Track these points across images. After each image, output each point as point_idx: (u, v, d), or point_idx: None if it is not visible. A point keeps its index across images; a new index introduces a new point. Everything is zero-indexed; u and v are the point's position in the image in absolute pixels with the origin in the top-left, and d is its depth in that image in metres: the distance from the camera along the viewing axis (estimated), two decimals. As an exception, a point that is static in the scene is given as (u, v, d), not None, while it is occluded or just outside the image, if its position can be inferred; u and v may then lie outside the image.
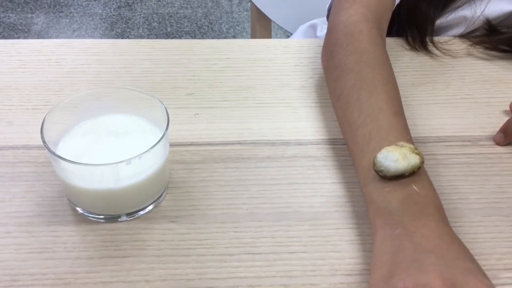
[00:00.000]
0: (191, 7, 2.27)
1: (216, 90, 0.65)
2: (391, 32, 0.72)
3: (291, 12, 1.09)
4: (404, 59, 0.71)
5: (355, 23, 0.59)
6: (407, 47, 0.72)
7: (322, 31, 0.65)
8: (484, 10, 0.71)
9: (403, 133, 0.50)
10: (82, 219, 0.50)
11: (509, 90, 0.66)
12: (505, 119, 0.60)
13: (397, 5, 0.66)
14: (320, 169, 0.55)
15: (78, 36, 2.11)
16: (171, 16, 2.22)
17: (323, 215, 0.51)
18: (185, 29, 2.17)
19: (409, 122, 0.58)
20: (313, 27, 0.91)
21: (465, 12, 0.72)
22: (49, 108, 0.49)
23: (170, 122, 0.49)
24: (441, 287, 0.37)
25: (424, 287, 0.38)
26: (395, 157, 0.45)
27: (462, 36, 0.74)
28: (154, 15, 2.22)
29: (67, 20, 2.18)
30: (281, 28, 1.32)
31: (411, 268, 0.40)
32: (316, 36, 0.89)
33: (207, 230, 0.50)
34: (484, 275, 0.39)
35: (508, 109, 0.63)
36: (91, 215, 0.50)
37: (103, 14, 2.22)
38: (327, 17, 0.70)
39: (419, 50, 0.72)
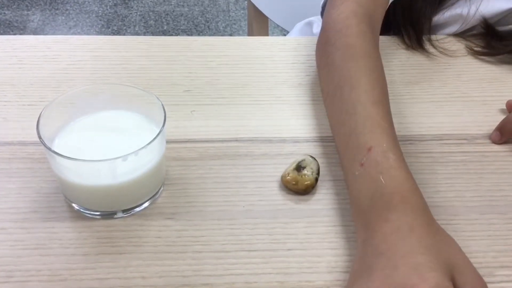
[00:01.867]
0: (187, 5, 2.27)
1: (213, 87, 0.65)
2: (388, 32, 0.72)
3: (288, 10, 1.09)
4: (400, 58, 0.71)
5: (344, 20, 0.59)
6: (404, 46, 0.72)
7: (318, 28, 0.65)
8: (479, 7, 0.71)
9: (380, 122, 0.49)
10: (78, 216, 0.50)
11: (506, 88, 0.66)
12: (502, 117, 0.60)
13: (392, 3, 0.66)
14: (317, 166, 0.55)
15: (74, 34, 2.10)
16: (167, 14, 2.22)
17: (320, 212, 0.51)
18: (181, 27, 2.16)
19: (405, 120, 0.58)
20: (309, 25, 0.91)
21: (461, 9, 0.72)
22: (45, 104, 0.49)
23: (166, 118, 0.48)
24: None
25: None
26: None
27: (459, 35, 0.74)
28: (151, 13, 2.22)
29: (63, 18, 2.18)
30: (278, 26, 1.32)
31: (363, 276, 0.40)
32: (312, 33, 0.89)
33: (203, 227, 0.50)
34: (434, 268, 0.38)
35: (505, 107, 0.63)
36: (87, 212, 0.50)
37: (99, 11, 2.22)
38: (321, 14, 0.70)
39: (416, 49, 0.72)
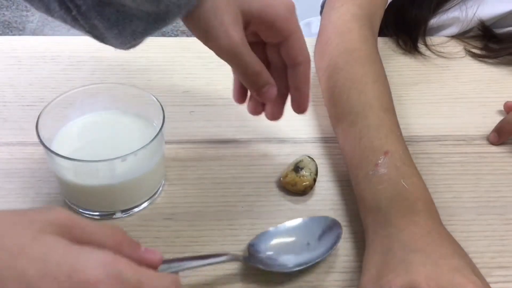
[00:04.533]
0: (186, 6, 2.27)
1: (212, 88, 0.65)
2: (384, 35, 0.72)
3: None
4: (399, 59, 0.71)
5: (345, 22, 0.60)
6: (401, 48, 0.72)
7: (316, 28, 0.65)
8: (476, 11, 0.71)
9: (393, 129, 0.51)
10: (77, 216, 0.50)
11: (504, 90, 0.66)
12: (499, 118, 0.60)
13: (386, 9, 0.66)
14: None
15: (73, 35, 2.10)
16: (166, 15, 2.22)
17: (318, 212, 0.51)
18: (181, 28, 2.16)
19: (403, 121, 0.58)
20: (308, 25, 0.91)
21: (457, 13, 0.72)
22: (44, 104, 0.49)
23: (165, 119, 0.49)
24: (426, 286, 0.37)
25: None
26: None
27: (456, 36, 0.74)
28: (150, 14, 2.22)
29: (62, 18, 2.17)
30: (277, 27, 1.31)
31: (399, 269, 0.40)
32: (311, 34, 0.89)
33: (202, 227, 0.50)
34: (472, 272, 0.39)
35: (502, 109, 0.63)
36: (86, 212, 0.50)
37: (99, 12, 2.22)
38: (321, 12, 0.70)
39: (412, 53, 0.72)
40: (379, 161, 0.48)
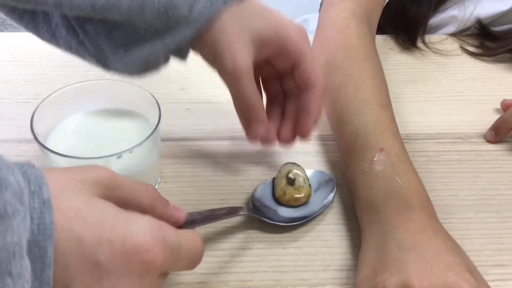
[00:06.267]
0: (183, 3, 2.26)
1: (208, 85, 0.64)
2: (380, 30, 0.72)
3: (283, 8, 1.09)
4: (396, 57, 0.71)
5: (344, 20, 0.60)
6: (399, 46, 0.72)
7: (314, 25, 0.65)
8: (474, 10, 0.71)
9: (389, 126, 0.51)
10: (72, 214, 0.50)
11: (500, 88, 0.66)
12: (496, 116, 0.60)
13: (385, 8, 0.66)
14: (312, 164, 0.55)
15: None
16: (163, 12, 2.21)
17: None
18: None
19: (400, 119, 0.58)
20: (306, 22, 0.91)
21: (455, 12, 0.72)
22: (39, 101, 0.49)
23: (161, 116, 0.48)
24: (419, 286, 0.37)
25: (403, 287, 0.38)
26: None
27: (453, 35, 0.74)
28: (146, 11, 2.21)
29: (58, 15, 2.17)
30: (274, 25, 1.31)
31: (393, 267, 0.40)
32: (309, 31, 0.89)
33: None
34: (466, 269, 0.39)
35: (499, 107, 0.63)
36: (81, 210, 0.50)
37: (95, 9, 2.21)
38: (319, 10, 0.70)
39: (410, 49, 0.72)
40: (375, 158, 0.47)
